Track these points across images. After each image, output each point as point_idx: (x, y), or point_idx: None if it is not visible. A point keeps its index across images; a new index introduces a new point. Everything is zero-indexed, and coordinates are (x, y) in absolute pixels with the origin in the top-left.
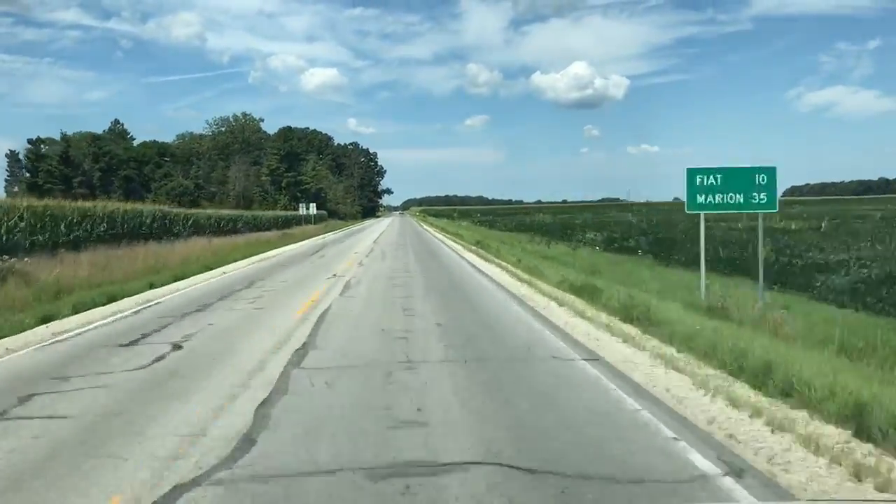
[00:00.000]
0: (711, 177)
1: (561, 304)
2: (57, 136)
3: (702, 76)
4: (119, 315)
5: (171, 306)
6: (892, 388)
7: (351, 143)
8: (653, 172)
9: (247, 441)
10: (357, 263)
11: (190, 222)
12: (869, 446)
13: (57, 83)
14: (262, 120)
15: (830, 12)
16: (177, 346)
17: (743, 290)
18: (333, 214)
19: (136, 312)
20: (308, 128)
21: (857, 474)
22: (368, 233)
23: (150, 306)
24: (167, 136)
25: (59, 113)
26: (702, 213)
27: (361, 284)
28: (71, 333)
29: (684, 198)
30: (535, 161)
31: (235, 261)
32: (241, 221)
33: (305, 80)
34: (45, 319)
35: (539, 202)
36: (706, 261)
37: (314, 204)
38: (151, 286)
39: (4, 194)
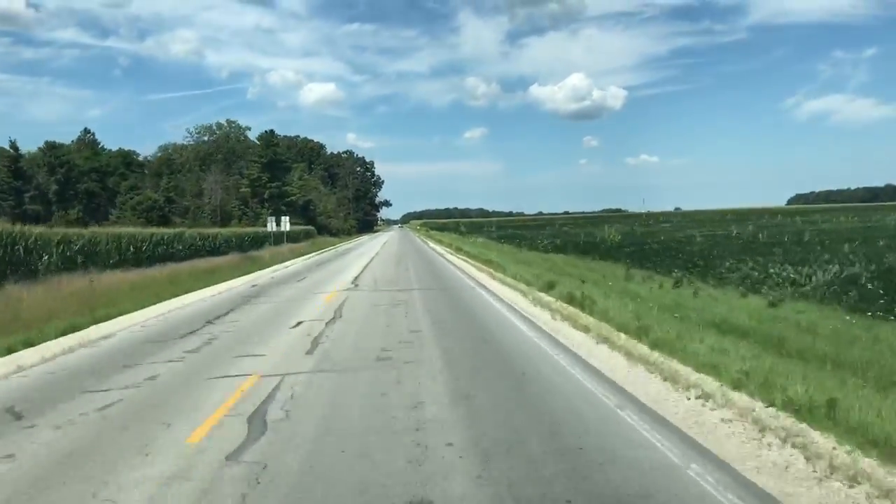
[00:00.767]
0: None
1: None
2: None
3: (699, 86)
4: None
5: None
6: None
7: (345, 152)
8: (653, 183)
9: None
10: (304, 352)
11: (77, 248)
12: None
13: (56, 101)
14: (249, 129)
15: (826, 20)
16: None
17: None
18: (324, 230)
19: None
20: (298, 136)
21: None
22: (355, 257)
23: None
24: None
25: (58, 131)
26: None
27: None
28: None
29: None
30: (535, 172)
31: (76, 330)
32: (181, 242)
33: (304, 95)
34: None
35: (540, 213)
36: None
37: (286, 218)
38: None
39: None
